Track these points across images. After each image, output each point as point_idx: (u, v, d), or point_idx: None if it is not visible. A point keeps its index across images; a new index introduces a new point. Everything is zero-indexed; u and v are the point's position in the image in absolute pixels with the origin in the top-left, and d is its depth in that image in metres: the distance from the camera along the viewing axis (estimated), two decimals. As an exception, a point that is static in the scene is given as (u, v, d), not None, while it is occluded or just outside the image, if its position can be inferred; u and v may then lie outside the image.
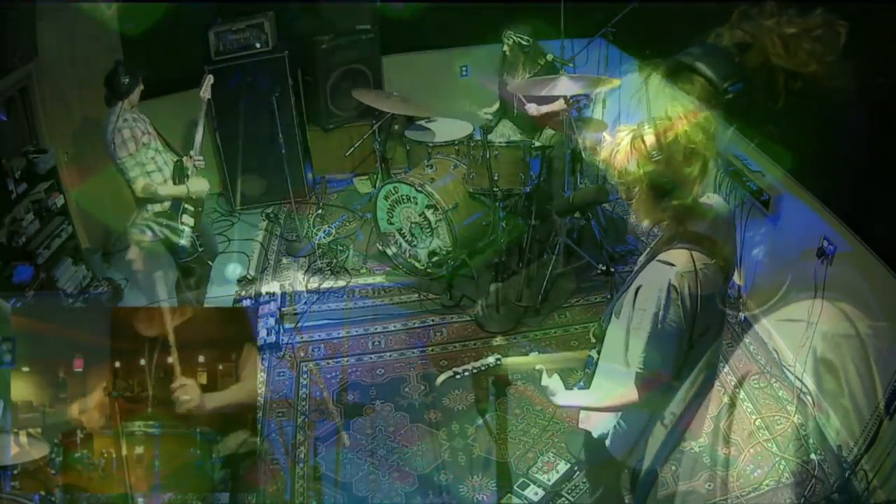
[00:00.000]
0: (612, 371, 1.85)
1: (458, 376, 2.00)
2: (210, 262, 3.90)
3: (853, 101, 1.82)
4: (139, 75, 3.40)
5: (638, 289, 1.74)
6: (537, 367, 2.02)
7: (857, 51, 1.74)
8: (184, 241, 3.50)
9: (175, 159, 3.54)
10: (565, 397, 1.95)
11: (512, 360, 2.08)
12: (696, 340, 1.76)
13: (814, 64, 1.73)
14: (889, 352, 2.68)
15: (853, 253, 2.84)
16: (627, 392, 1.77)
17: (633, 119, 1.75)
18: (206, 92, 3.64)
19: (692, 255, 1.69)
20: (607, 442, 2.04)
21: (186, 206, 3.52)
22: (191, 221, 3.53)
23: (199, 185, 3.53)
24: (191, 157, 3.53)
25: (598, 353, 1.96)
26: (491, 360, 2.02)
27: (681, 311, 1.67)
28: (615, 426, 2.01)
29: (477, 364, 2.03)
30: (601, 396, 1.93)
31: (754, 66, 1.78)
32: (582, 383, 2.03)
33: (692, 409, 1.95)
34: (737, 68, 1.88)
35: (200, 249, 3.62)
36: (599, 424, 2.07)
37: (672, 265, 1.68)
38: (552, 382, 1.97)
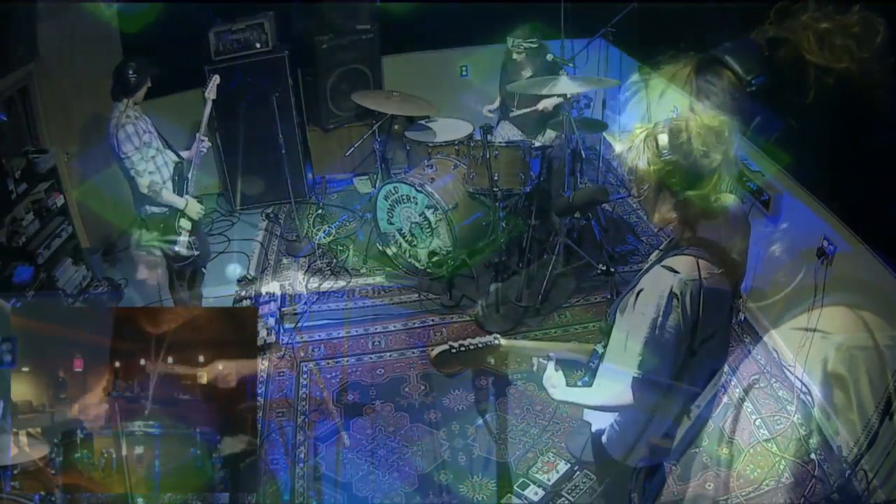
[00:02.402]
0: (611, 371, 1.85)
1: (454, 350, 1.98)
2: (203, 267, 3.91)
3: (866, 99, 1.80)
4: (148, 73, 3.38)
5: (640, 292, 1.74)
6: (550, 353, 2.01)
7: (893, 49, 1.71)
8: (179, 245, 3.51)
9: (176, 161, 3.54)
10: (563, 393, 1.95)
11: (517, 343, 2.07)
12: (699, 347, 1.75)
13: (847, 60, 1.71)
14: (889, 351, 2.68)
15: (853, 253, 2.84)
16: (622, 394, 1.77)
17: (633, 119, 1.75)
18: (211, 92, 3.65)
19: (698, 263, 1.68)
20: (604, 439, 2.05)
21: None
22: (188, 225, 3.54)
23: (194, 207, 3.55)
24: (198, 140, 3.58)
25: (604, 347, 1.97)
26: (489, 338, 2.01)
27: (680, 319, 1.67)
28: (611, 425, 2.02)
29: (475, 341, 2.00)
30: (597, 396, 1.92)
31: (785, 61, 1.77)
32: (587, 378, 2.03)
33: (708, 408, 1.96)
34: (764, 62, 1.89)
35: (196, 253, 3.63)
36: (599, 419, 2.08)
37: (676, 272, 1.67)
38: (555, 376, 1.97)
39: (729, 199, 1.82)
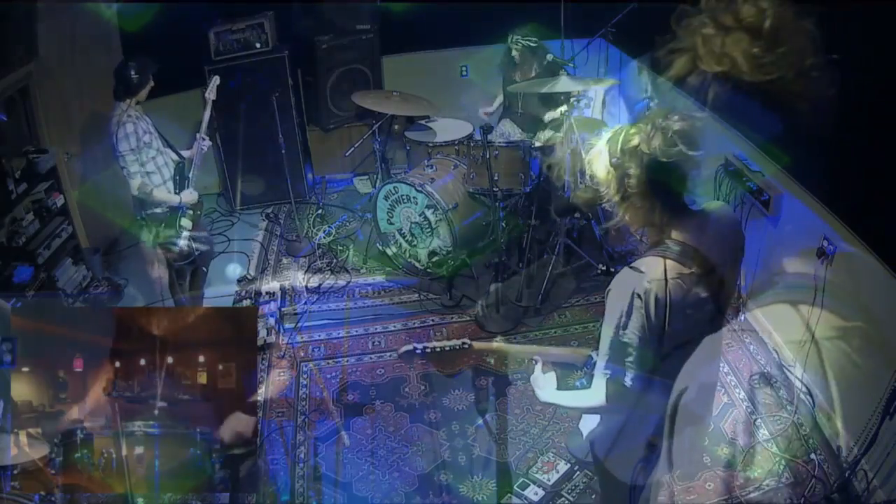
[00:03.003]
0: (596, 372, 1.85)
1: (417, 350, 2.00)
2: (205, 267, 3.91)
3: (839, 97, 1.68)
4: (149, 72, 3.37)
5: (608, 292, 1.72)
6: (536, 356, 2.02)
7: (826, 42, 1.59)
8: (180, 244, 3.52)
9: (177, 161, 3.55)
10: (548, 395, 1.96)
11: (492, 346, 2.09)
12: (673, 351, 1.71)
13: (735, 60, 1.58)
14: (889, 351, 2.68)
15: (853, 253, 2.84)
16: (594, 395, 1.75)
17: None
18: (211, 93, 3.66)
19: (665, 263, 1.64)
20: (594, 442, 2.05)
21: (185, 209, 3.54)
22: (188, 224, 3.54)
23: (189, 196, 3.55)
24: (199, 139, 3.59)
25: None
26: (458, 342, 2.02)
27: (644, 321, 1.63)
28: (599, 426, 2.01)
29: (441, 343, 2.02)
30: (576, 398, 1.92)
31: (680, 74, 1.65)
32: (584, 380, 2.03)
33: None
34: (653, 82, 1.80)
35: (196, 252, 3.63)
36: (588, 423, 2.08)
37: (641, 272, 1.64)
38: (542, 377, 1.97)
39: (714, 206, 1.78)
